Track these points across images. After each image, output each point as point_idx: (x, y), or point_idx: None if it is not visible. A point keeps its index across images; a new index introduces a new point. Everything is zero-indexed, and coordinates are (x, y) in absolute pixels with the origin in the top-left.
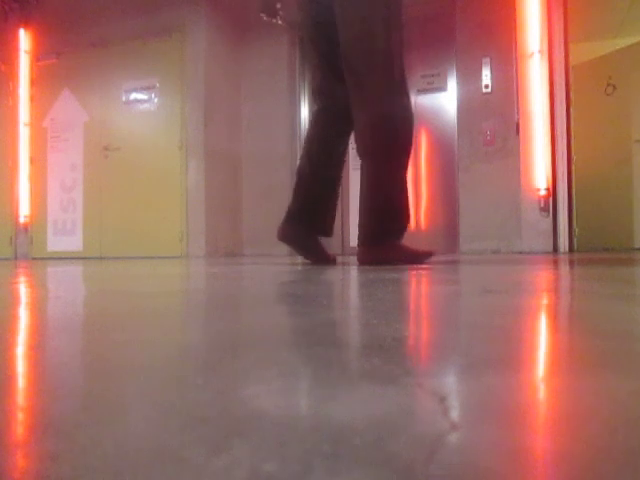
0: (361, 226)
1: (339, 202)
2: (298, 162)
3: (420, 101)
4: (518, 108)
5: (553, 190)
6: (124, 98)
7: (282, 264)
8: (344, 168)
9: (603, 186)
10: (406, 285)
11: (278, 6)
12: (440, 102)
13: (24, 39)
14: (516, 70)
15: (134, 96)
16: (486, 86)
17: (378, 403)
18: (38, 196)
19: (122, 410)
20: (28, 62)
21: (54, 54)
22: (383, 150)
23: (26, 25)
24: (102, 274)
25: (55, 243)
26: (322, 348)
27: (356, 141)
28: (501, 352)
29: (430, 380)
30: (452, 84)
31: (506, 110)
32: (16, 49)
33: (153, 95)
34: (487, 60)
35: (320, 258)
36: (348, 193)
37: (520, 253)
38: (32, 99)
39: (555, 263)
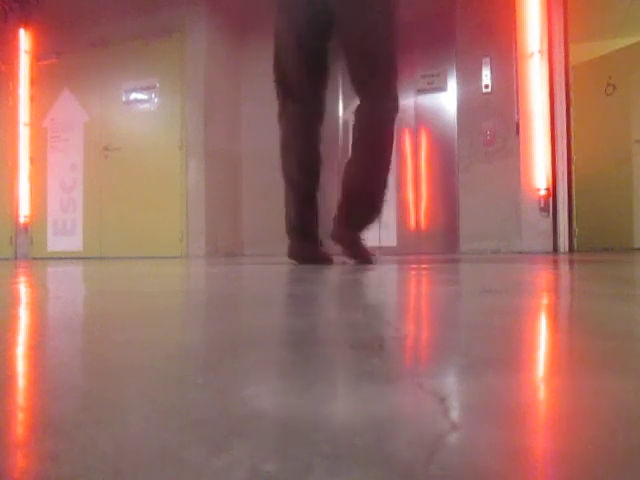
0: (348, 207)
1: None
2: (288, 173)
3: (420, 101)
4: (518, 108)
5: (553, 190)
6: (124, 98)
7: (282, 264)
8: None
9: (603, 186)
10: (406, 285)
11: None
12: (440, 102)
13: (24, 39)
14: (516, 70)
15: (134, 96)
16: (486, 86)
17: (378, 403)
18: (38, 196)
19: (122, 410)
20: (28, 62)
21: (54, 54)
22: (382, 146)
23: (26, 25)
24: (102, 274)
25: (55, 243)
26: (322, 348)
27: (357, 134)
28: (501, 352)
29: (430, 380)
30: (452, 84)
31: (506, 110)
32: (16, 49)
33: (153, 95)
34: (487, 60)
35: (324, 262)
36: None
37: (520, 253)
38: (32, 99)
39: (555, 263)
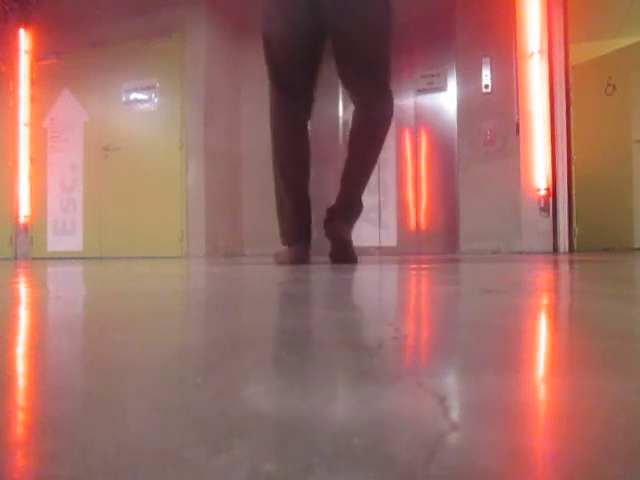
0: (346, 201)
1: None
2: (284, 168)
3: (420, 101)
4: (518, 108)
5: (553, 190)
6: (124, 98)
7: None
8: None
9: (603, 186)
10: (406, 285)
11: None
12: (440, 102)
13: (24, 39)
14: (516, 70)
15: (134, 96)
16: (486, 86)
17: (378, 403)
18: (38, 196)
19: (122, 410)
20: (28, 62)
21: (54, 54)
22: (378, 144)
23: (26, 25)
24: (102, 274)
25: (55, 243)
26: (321, 348)
27: (357, 131)
28: (501, 352)
29: (430, 380)
30: (452, 84)
31: (506, 110)
32: (16, 49)
33: (153, 95)
34: (487, 60)
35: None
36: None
37: (520, 253)
38: (32, 99)
39: (555, 263)
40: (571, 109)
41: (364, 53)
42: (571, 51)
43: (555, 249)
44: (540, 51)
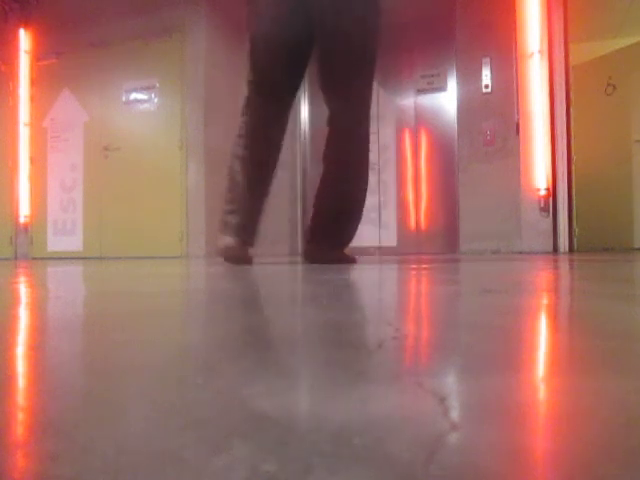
0: (320, 225)
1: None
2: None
3: (420, 101)
4: (518, 108)
5: (553, 190)
6: (124, 98)
7: (282, 264)
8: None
9: (603, 186)
10: (406, 285)
11: None
12: (440, 102)
13: (24, 39)
14: (516, 70)
15: (134, 96)
16: (486, 86)
17: (378, 403)
18: (38, 196)
19: (122, 410)
20: (28, 62)
21: (54, 54)
22: (357, 160)
23: (26, 25)
24: (102, 274)
25: (55, 243)
26: (322, 348)
27: (333, 147)
28: (501, 352)
29: (430, 380)
30: (452, 84)
31: (506, 110)
32: (16, 49)
33: (153, 95)
34: (487, 60)
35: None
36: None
37: (520, 253)
38: (32, 99)
39: (555, 263)
40: (571, 109)
41: (352, 54)
42: (571, 51)
43: (555, 249)
44: (540, 51)
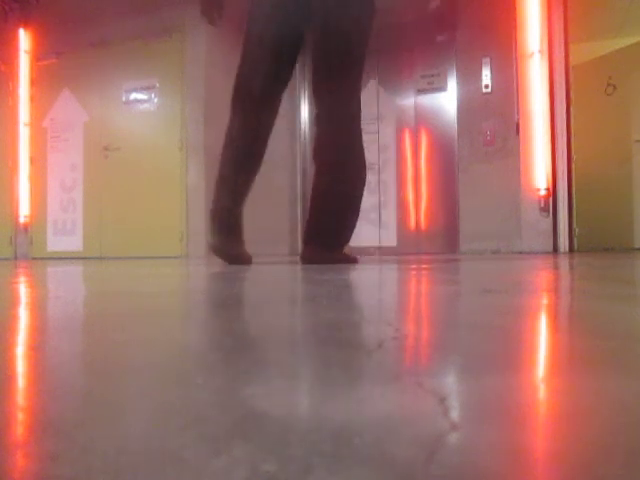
0: (315, 226)
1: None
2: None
3: (420, 101)
4: (518, 108)
5: (553, 190)
6: (124, 98)
7: (282, 263)
8: None
9: (603, 186)
10: (406, 285)
11: (218, 13)
12: (440, 102)
13: (24, 39)
14: (516, 70)
15: (134, 96)
16: (486, 86)
17: (378, 403)
18: (38, 196)
19: (122, 410)
20: (28, 62)
21: (54, 54)
22: (349, 156)
23: (26, 25)
24: (102, 274)
25: (55, 243)
26: (322, 348)
27: (324, 146)
28: (501, 352)
29: (430, 380)
30: (452, 84)
31: (506, 110)
32: (16, 49)
33: (153, 95)
34: (487, 60)
35: (246, 262)
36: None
37: (520, 253)
38: (32, 99)
39: (555, 263)
40: (571, 109)
41: (345, 52)
42: (571, 51)
43: (555, 249)
44: (540, 51)
